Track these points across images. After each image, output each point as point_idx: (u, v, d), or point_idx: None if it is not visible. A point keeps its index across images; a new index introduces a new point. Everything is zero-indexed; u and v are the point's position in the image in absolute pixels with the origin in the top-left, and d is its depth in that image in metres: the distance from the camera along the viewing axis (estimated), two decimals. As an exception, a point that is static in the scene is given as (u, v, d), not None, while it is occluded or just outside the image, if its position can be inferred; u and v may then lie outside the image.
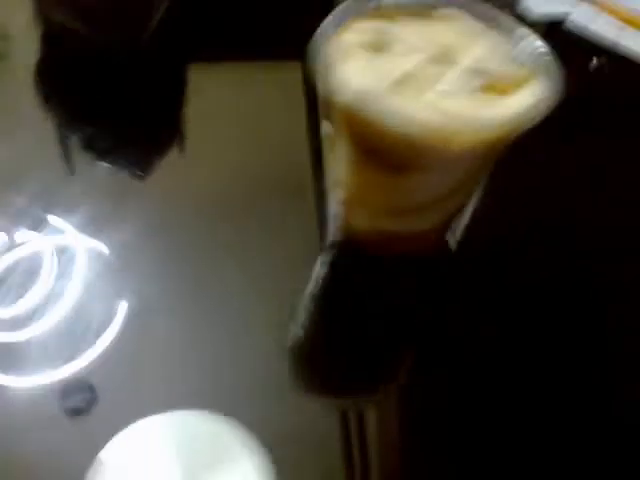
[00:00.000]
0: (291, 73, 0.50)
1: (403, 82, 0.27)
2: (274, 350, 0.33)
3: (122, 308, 0.33)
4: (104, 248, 0.35)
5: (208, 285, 0.35)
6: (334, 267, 0.37)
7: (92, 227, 0.36)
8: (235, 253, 0.37)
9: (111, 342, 0.31)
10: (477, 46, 0.29)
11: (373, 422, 0.33)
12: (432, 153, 0.27)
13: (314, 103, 0.43)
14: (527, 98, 0.27)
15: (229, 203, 0.40)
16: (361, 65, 0.28)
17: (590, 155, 0.44)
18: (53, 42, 0.50)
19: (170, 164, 0.42)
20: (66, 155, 0.43)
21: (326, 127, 0.31)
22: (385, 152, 0.28)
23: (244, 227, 0.38)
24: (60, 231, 0.35)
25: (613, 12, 0.52)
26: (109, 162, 0.42)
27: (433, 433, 0.31)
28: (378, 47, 0.29)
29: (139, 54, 0.47)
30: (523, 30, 0.30)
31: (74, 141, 0.44)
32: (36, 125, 0.43)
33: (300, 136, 0.44)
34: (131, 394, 0.31)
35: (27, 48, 0.48)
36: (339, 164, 0.31)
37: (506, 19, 0.30)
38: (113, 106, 0.46)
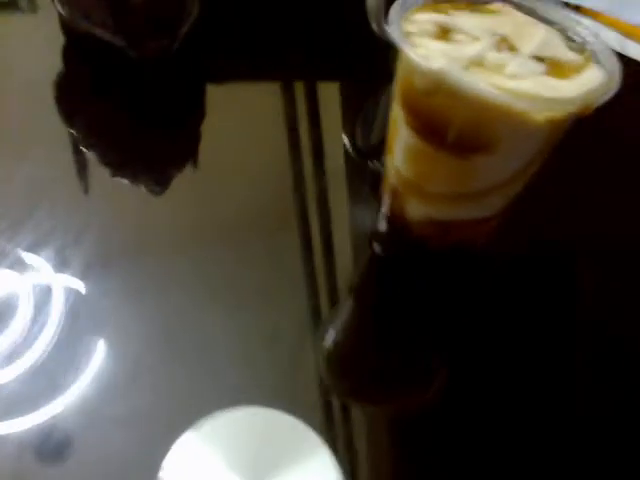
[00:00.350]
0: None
1: (471, 67, 0.28)
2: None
3: (100, 346, 0.31)
4: (81, 286, 0.34)
5: (189, 322, 0.34)
6: (383, 260, 0.37)
7: (69, 264, 0.34)
8: (217, 285, 0.36)
9: (89, 382, 0.30)
10: (535, 35, 0.30)
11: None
12: (504, 130, 0.28)
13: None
14: (592, 79, 0.28)
15: (211, 235, 0.39)
16: (428, 51, 0.28)
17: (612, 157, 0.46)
18: (75, 54, 0.49)
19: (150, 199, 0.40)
20: (81, 172, 0.42)
21: (393, 114, 0.31)
22: (455, 133, 0.28)
23: (230, 257, 0.37)
24: (36, 269, 0.34)
25: (614, 25, 0.54)
26: (125, 177, 0.42)
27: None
28: (439, 37, 0.30)
29: (166, 64, 0.47)
30: (574, 21, 0.31)
31: (89, 157, 0.43)
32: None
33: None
34: (109, 436, 0.29)
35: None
36: (400, 152, 0.32)
37: (554, 11, 0.32)
38: (132, 119, 0.46)
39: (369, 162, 0.45)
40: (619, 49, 0.53)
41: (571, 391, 0.33)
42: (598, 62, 0.30)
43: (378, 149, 0.35)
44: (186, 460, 0.27)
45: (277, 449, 0.28)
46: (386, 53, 0.32)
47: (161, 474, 0.27)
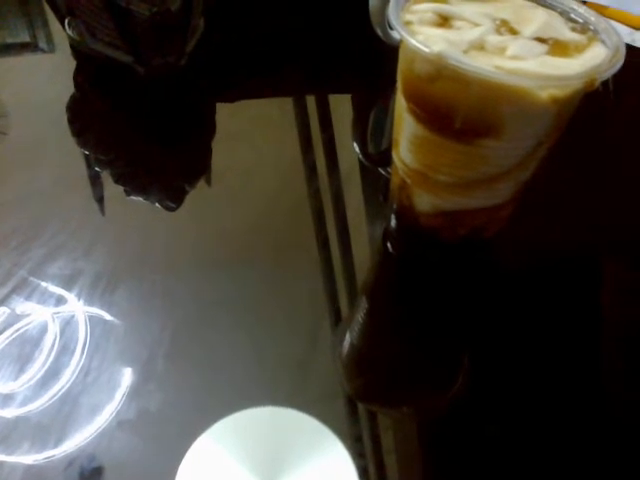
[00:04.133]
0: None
1: (472, 50, 0.28)
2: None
3: (127, 376, 0.31)
4: (107, 316, 0.33)
5: (201, 326, 0.33)
6: (396, 258, 0.37)
7: (93, 295, 0.34)
8: (231, 286, 0.35)
9: (116, 411, 0.29)
10: (536, 17, 0.30)
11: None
12: (508, 112, 0.27)
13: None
14: (595, 56, 0.28)
15: (223, 242, 0.39)
16: (429, 37, 0.28)
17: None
18: (85, 74, 0.50)
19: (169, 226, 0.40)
20: (97, 195, 0.42)
21: (397, 106, 0.31)
22: (460, 118, 0.28)
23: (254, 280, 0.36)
24: (61, 300, 0.34)
25: (623, 18, 0.54)
26: (139, 195, 0.42)
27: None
28: (439, 24, 0.30)
29: (175, 80, 0.48)
30: (574, 3, 0.31)
31: (105, 177, 0.43)
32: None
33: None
34: (127, 443, 0.28)
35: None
36: (406, 143, 0.31)
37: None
38: (143, 136, 0.47)
39: (380, 169, 0.45)
40: (629, 41, 0.53)
41: (597, 381, 0.32)
42: (601, 41, 0.29)
43: (388, 155, 0.35)
44: (203, 462, 0.27)
45: (292, 447, 0.28)
46: (394, 59, 0.32)
47: (179, 477, 0.27)
